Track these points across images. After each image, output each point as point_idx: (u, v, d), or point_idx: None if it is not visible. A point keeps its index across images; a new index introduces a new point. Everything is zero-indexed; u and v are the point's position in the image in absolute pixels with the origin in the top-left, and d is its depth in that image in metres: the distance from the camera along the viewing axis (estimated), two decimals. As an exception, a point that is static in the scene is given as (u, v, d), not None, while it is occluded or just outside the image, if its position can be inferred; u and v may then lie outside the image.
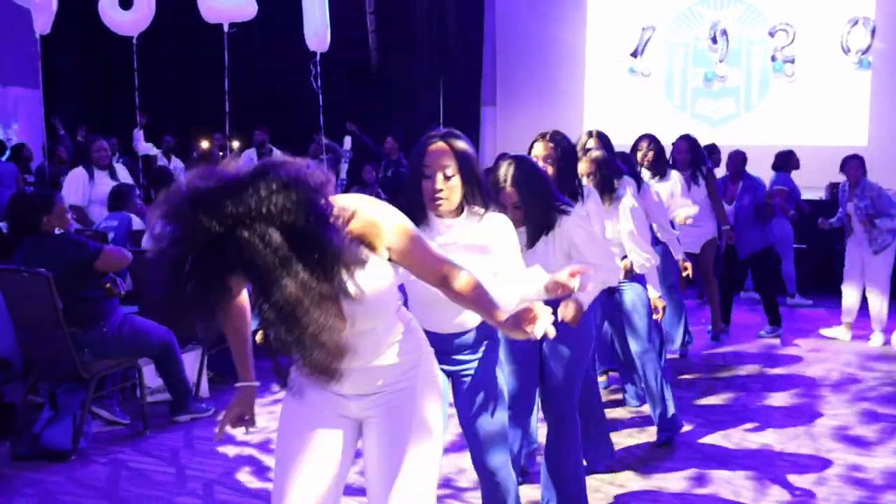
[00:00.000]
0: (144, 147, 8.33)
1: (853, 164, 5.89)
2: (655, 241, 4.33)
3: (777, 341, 5.98)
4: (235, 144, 9.65)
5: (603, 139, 4.07)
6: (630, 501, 3.36)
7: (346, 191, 9.10)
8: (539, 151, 3.09)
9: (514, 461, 2.94)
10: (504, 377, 2.57)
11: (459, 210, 2.34)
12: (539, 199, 2.69)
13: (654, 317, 3.94)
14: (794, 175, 7.30)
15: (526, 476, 3.40)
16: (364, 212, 1.78)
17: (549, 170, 3.07)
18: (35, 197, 4.11)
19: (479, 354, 2.45)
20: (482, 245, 2.33)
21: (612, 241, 3.54)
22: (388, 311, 1.88)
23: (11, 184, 7.70)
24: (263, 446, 3.90)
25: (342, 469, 1.96)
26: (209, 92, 8.63)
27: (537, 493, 3.24)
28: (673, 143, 5.66)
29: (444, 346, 2.39)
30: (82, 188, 5.94)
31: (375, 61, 11.75)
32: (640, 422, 4.26)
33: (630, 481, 3.54)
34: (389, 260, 1.84)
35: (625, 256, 3.77)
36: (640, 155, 4.97)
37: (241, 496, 3.41)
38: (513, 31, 11.70)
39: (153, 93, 9.34)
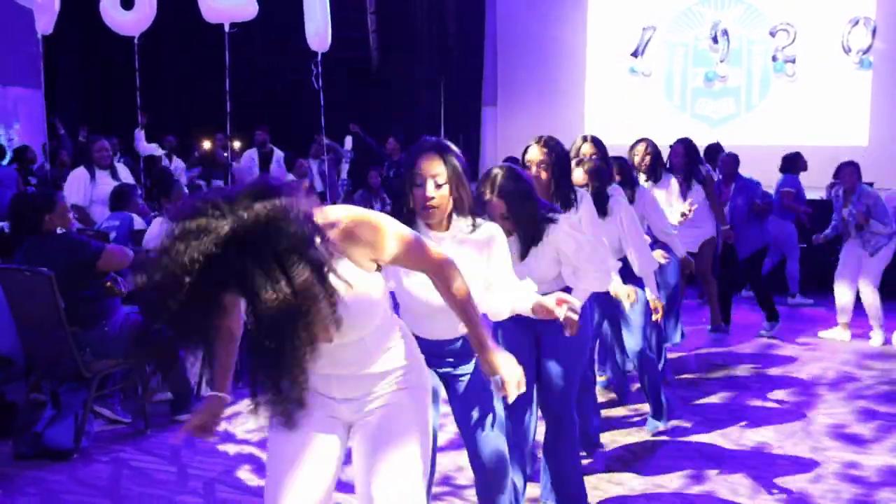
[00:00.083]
0: (148, 147, 8.33)
1: (848, 171, 5.91)
2: (654, 243, 4.34)
3: (776, 341, 6.00)
4: (237, 145, 9.67)
5: (598, 144, 4.05)
6: (629, 500, 3.38)
7: (349, 193, 9.12)
8: (533, 156, 3.10)
9: (517, 461, 2.96)
10: None
11: (449, 220, 2.35)
12: (526, 211, 2.69)
13: (654, 317, 3.95)
14: None
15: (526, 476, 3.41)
16: (355, 228, 1.77)
17: (543, 175, 3.08)
18: (37, 196, 4.13)
19: (474, 359, 2.46)
20: (473, 257, 2.34)
21: (608, 246, 3.55)
22: (375, 322, 1.89)
23: (12, 185, 7.71)
24: (263, 445, 3.89)
25: (333, 469, 1.98)
26: (210, 92, 8.63)
27: (535, 491, 3.26)
28: (670, 147, 5.69)
29: (437, 351, 2.42)
30: (84, 188, 5.95)
31: (376, 61, 11.76)
32: (640, 421, 4.27)
33: (629, 480, 3.55)
34: (378, 268, 1.84)
35: (622, 259, 3.79)
36: (636, 159, 4.97)
37: (242, 494, 3.42)
38: (513, 31, 11.71)
39: (154, 93, 9.35)
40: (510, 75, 11.80)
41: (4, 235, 5.21)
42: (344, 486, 2.11)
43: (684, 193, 5.43)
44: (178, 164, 9.09)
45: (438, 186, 2.28)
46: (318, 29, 6.93)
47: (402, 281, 2.32)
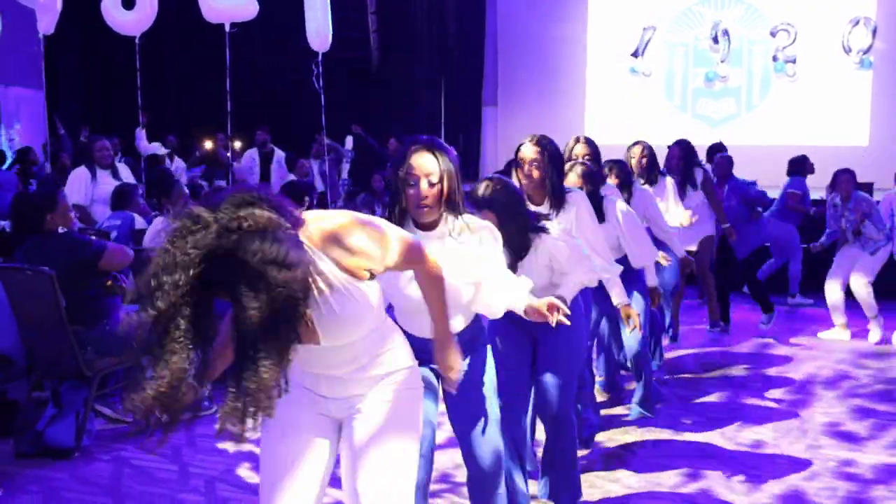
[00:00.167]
0: (150, 147, 8.35)
1: (844, 179, 5.92)
2: (654, 243, 4.38)
3: (774, 340, 6.01)
4: (237, 145, 9.68)
5: (590, 144, 4.06)
6: (626, 497, 3.40)
7: (350, 193, 9.12)
8: (526, 154, 3.11)
9: (516, 461, 2.97)
10: (495, 376, 2.59)
11: (440, 218, 2.34)
12: (516, 223, 2.69)
13: (653, 306, 4.04)
14: None
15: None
16: (349, 237, 1.77)
17: (535, 173, 3.10)
18: (38, 195, 4.14)
19: (468, 357, 2.47)
20: (464, 254, 2.34)
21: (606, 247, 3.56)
22: (366, 328, 1.88)
23: (12, 190, 7.71)
24: (265, 444, 3.92)
25: (325, 466, 1.99)
26: (210, 92, 8.65)
27: (534, 489, 3.27)
28: (668, 147, 5.72)
29: (430, 348, 2.42)
30: (85, 187, 5.97)
31: (376, 61, 11.77)
32: (637, 419, 4.29)
33: (627, 477, 3.57)
34: (372, 277, 1.84)
35: (621, 259, 3.81)
36: (633, 161, 4.98)
37: (243, 492, 3.43)
38: (514, 30, 11.72)
39: (155, 93, 9.37)
40: (510, 75, 11.81)
41: (5, 235, 5.23)
42: (336, 482, 2.12)
43: (682, 194, 5.46)
44: (178, 164, 9.10)
45: (432, 185, 2.28)
46: (319, 28, 6.94)
47: (396, 284, 2.31)
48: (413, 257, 1.94)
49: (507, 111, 11.86)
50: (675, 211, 5.02)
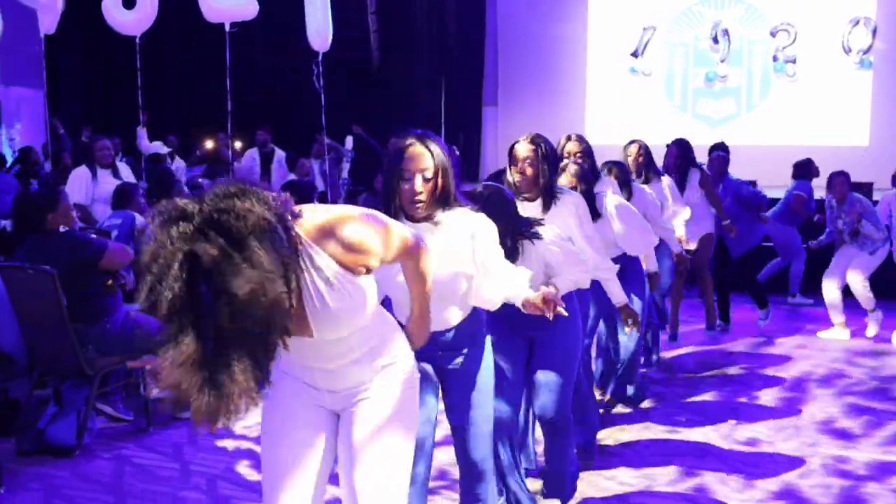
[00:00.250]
0: (152, 146, 8.35)
1: (839, 181, 5.95)
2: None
3: (772, 339, 6.04)
4: (238, 145, 9.69)
5: (582, 141, 4.09)
6: (623, 493, 3.42)
7: (351, 193, 9.13)
8: (521, 152, 3.13)
9: (511, 458, 2.98)
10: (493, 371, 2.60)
11: (433, 211, 2.34)
12: (508, 230, 2.69)
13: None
14: None
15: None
16: (345, 232, 1.75)
17: (529, 171, 3.12)
18: (39, 195, 4.14)
19: (465, 350, 2.48)
20: (458, 247, 2.34)
21: (604, 243, 3.57)
22: (360, 322, 1.87)
23: (12, 192, 7.71)
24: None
25: (326, 458, 2.00)
26: (211, 91, 8.66)
27: (534, 486, 3.28)
28: (667, 146, 5.73)
29: (430, 343, 2.42)
30: (85, 186, 5.98)
31: (377, 61, 11.78)
32: (635, 418, 4.32)
33: (624, 475, 3.60)
34: (368, 271, 1.84)
35: (619, 259, 3.83)
36: (629, 160, 4.99)
37: (244, 490, 3.44)
38: (514, 30, 11.73)
39: (156, 92, 9.37)
40: (511, 75, 11.82)
41: (6, 234, 5.24)
42: (335, 479, 2.13)
43: (680, 193, 5.48)
44: (179, 164, 9.11)
45: (426, 181, 2.28)
46: (320, 28, 6.94)
47: (392, 277, 2.30)
48: (411, 252, 1.95)
49: (507, 111, 11.86)
50: (673, 209, 5.04)
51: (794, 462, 3.76)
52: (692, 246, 5.64)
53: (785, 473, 3.63)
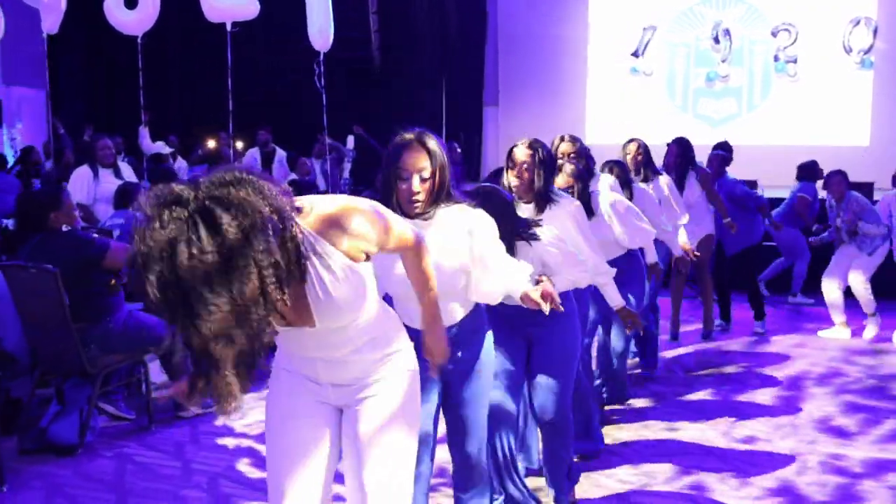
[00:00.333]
0: (155, 146, 8.36)
1: (836, 180, 5.98)
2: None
3: (771, 338, 6.07)
4: (239, 144, 9.70)
5: (576, 141, 4.12)
6: (621, 490, 3.45)
7: (353, 193, 9.14)
8: (519, 157, 3.15)
9: (510, 458, 2.99)
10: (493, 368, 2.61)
11: (431, 209, 2.34)
12: (505, 231, 2.67)
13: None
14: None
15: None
16: (345, 218, 1.78)
17: (526, 175, 3.14)
18: (42, 194, 4.15)
19: (468, 346, 2.49)
20: (457, 243, 2.35)
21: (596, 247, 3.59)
22: (361, 310, 1.88)
23: (13, 192, 7.72)
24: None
25: (330, 453, 2.01)
26: (212, 91, 8.67)
27: (533, 483, 3.29)
28: (667, 145, 5.74)
29: None
30: (87, 186, 5.99)
31: (378, 61, 11.79)
32: (635, 416, 4.34)
33: (622, 472, 3.62)
34: (367, 258, 1.85)
35: (618, 260, 3.85)
36: (628, 158, 5.00)
37: (245, 489, 3.46)
38: (514, 30, 11.74)
39: (158, 92, 9.39)
40: (511, 75, 11.83)
41: (9, 233, 5.25)
42: (340, 477, 2.14)
43: (680, 192, 5.49)
44: (181, 164, 9.13)
45: (424, 181, 2.29)
46: (322, 27, 6.95)
47: (392, 271, 2.30)
48: (411, 246, 1.95)
49: (508, 111, 11.87)
50: (672, 208, 5.05)
51: (791, 460, 3.79)
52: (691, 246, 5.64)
53: (782, 471, 3.66)
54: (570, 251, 2.89)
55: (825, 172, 6.41)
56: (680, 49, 11.32)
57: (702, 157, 6.10)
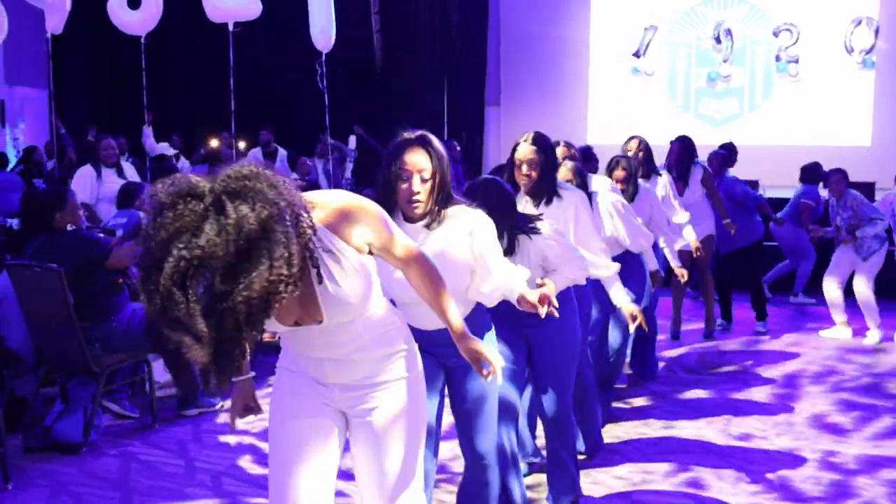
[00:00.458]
0: (158, 146, 8.38)
1: (835, 178, 5.99)
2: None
3: (770, 337, 6.09)
4: (241, 145, 9.72)
5: (570, 147, 4.17)
6: (619, 486, 3.48)
7: (355, 191, 9.16)
8: (524, 155, 3.17)
9: (510, 459, 3.01)
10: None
11: (431, 211, 2.36)
12: (505, 225, 2.71)
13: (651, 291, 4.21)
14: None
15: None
16: (350, 210, 1.81)
17: (534, 174, 3.16)
18: (48, 193, 4.18)
19: None
20: (456, 246, 2.37)
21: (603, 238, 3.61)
22: (367, 304, 1.91)
23: (16, 190, 7.74)
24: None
25: (333, 454, 2.02)
26: (215, 91, 8.69)
27: (531, 480, 3.31)
28: (670, 143, 5.76)
29: (434, 340, 2.44)
30: (90, 186, 6.02)
31: (380, 61, 11.80)
32: (632, 415, 4.37)
33: (620, 469, 3.65)
34: (370, 253, 1.88)
35: (621, 257, 3.86)
36: (629, 155, 5.02)
37: (249, 487, 3.48)
38: (516, 30, 11.75)
39: (161, 92, 9.41)
40: (513, 75, 11.83)
41: (14, 232, 5.27)
42: (343, 475, 2.17)
43: (681, 190, 5.50)
44: (184, 164, 9.14)
45: (424, 181, 2.30)
46: (324, 28, 6.97)
47: (392, 274, 2.31)
48: (399, 240, 1.94)
49: (509, 111, 11.88)
50: (672, 206, 5.07)
51: (787, 456, 3.83)
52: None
53: (778, 467, 3.70)
54: (570, 245, 2.91)
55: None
56: (681, 49, 11.32)
57: (702, 157, 6.11)
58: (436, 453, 2.65)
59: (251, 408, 2.15)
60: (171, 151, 8.75)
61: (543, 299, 2.35)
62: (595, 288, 3.54)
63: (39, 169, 9.21)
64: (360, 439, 2.02)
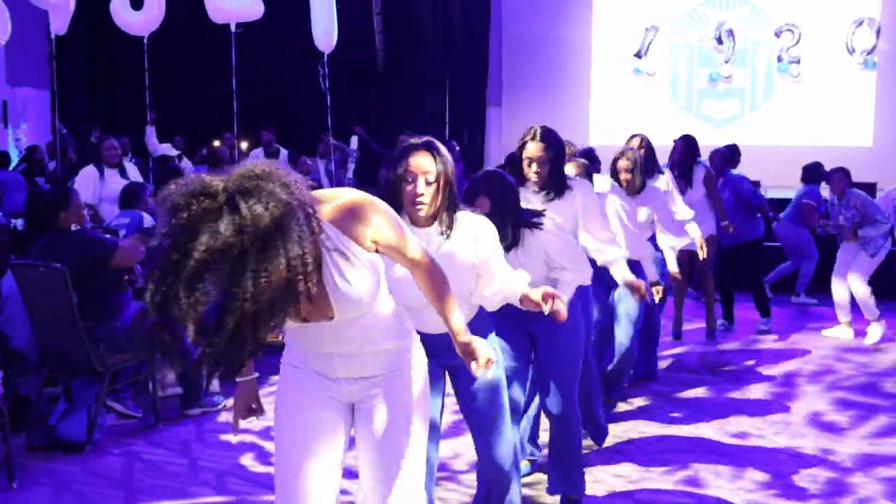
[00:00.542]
0: (161, 147, 8.39)
1: (837, 177, 6.00)
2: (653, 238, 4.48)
3: (770, 337, 6.11)
4: (243, 145, 9.74)
5: (572, 146, 4.20)
6: (619, 484, 3.50)
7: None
8: (532, 153, 3.18)
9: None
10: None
11: (436, 216, 2.38)
12: (508, 218, 2.73)
13: (657, 299, 4.15)
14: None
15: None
16: (358, 207, 1.83)
17: (545, 170, 3.18)
18: (52, 193, 4.19)
19: None
20: (460, 250, 2.40)
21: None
22: (376, 299, 1.92)
23: (20, 190, 7.76)
24: (272, 437, 3.97)
25: (339, 452, 2.04)
26: (217, 92, 8.71)
27: (532, 478, 3.32)
28: (674, 142, 5.77)
29: (441, 344, 2.44)
30: (93, 186, 6.03)
31: (382, 62, 11.82)
32: (632, 414, 4.39)
33: (620, 468, 3.68)
34: (376, 251, 1.89)
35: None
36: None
37: (252, 486, 3.49)
38: (518, 31, 11.76)
39: (163, 93, 9.42)
40: (515, 76, 11.84)
41: (18, 232, 5.29)
42: (346, 473, 2.18)
43: (682, 189, 5.51)
44: (186, 164, 9.17)
45: (429, 184, 2.32)
46: (327, 28, 6.98)
47: (397, 278, 2.31)
48: (405, 239, 1.95)
49: (511, 111, 11.89)
50: (673, 205, 5.08)
51: (785, 455, 3.86)
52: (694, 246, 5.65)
53: (776, 466, 3.72)
54: (571, 241, 2.92)
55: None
56: (683, 50, 11.33)
57: (704, 158, 6.12)
58: (437, 445, 2.66)
59: (254, 409, 2.16)
60: (173, 152, 8.78)
61: (547, 297, 2.36)
62: (596, 289, 3.55)
63: (41, 168, 9.23)
64: (366, 425, 2.03)
